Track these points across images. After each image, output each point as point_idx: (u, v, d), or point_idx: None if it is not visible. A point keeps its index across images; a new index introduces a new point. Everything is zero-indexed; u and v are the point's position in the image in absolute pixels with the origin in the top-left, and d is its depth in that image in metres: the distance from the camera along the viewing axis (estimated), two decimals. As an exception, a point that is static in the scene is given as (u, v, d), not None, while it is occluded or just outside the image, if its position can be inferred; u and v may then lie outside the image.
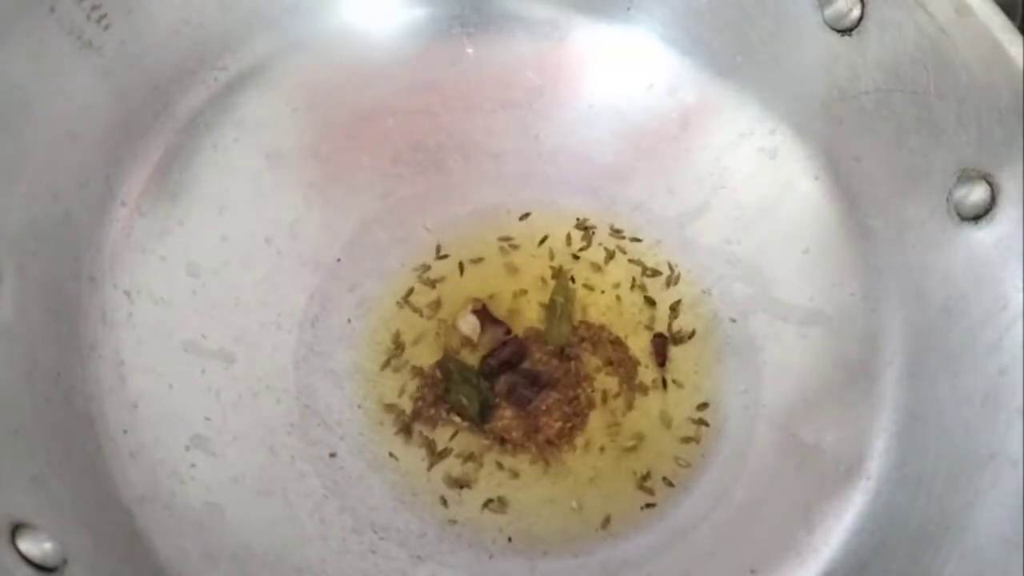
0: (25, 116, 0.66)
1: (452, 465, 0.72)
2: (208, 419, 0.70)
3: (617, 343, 0.76)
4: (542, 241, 0.79)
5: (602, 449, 0.73)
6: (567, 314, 0.75)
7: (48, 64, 0.66)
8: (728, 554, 0.70)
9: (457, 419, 0.73)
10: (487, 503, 0.71)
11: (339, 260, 0.78)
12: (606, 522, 0.71)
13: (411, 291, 0.77)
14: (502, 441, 0.72)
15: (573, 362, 0.74)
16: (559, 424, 0.72)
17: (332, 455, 0.72)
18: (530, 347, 0.75)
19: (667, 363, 0.75)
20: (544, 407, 0.73)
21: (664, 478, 0.72)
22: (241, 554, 0.66)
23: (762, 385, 0.74)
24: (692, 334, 0.77)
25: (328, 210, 0.79)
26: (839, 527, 0.69)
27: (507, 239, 0.79)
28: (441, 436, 0.73)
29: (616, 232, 0.80)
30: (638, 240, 0.80)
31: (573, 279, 0.77)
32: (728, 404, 0.75)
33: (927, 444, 0.67)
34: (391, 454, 0.72)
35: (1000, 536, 0.60)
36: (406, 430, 0.73)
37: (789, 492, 0.71)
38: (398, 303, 0.77)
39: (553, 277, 0.77)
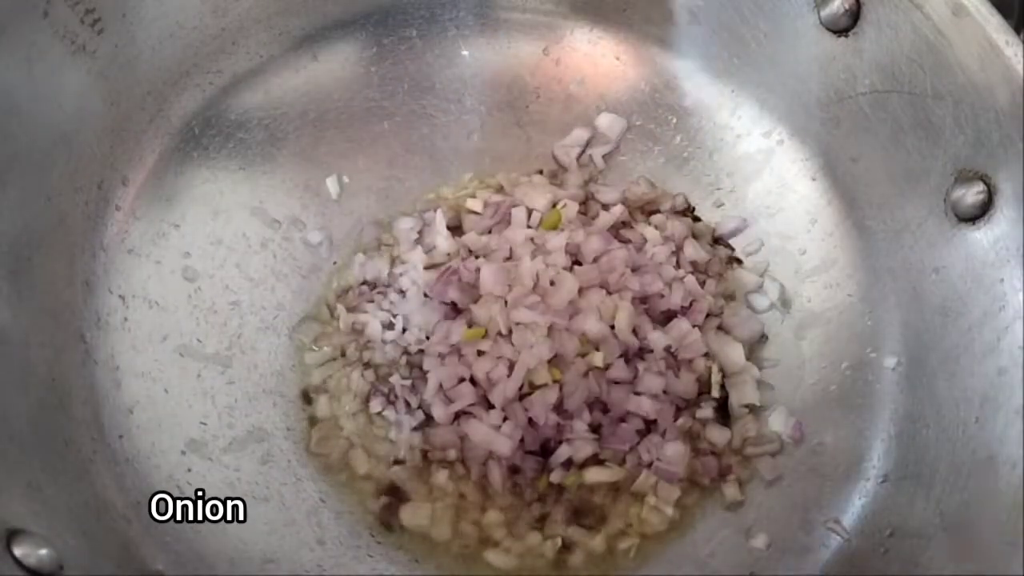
0: (18, 120, 0.65)
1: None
2: (204, 424, 0.70)
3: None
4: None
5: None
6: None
7: (41, 68, 0.66)
8: (727, 555, 0.70)
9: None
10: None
11: (335, 263, 0.78)
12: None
13: (408, 294, 0.77)
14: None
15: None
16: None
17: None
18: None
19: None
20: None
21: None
22: (237, 559, 0.66)
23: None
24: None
25: (324, 213, 0.79)
26: (838, 527, 0.69)
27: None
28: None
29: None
30: (635, 242, 0.79)
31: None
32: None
33: (926, 445, 0.67)
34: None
35: (1000, 536, 0.60)
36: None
37: (788, 492, 0.71)
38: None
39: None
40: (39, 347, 0.65)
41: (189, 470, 0.68)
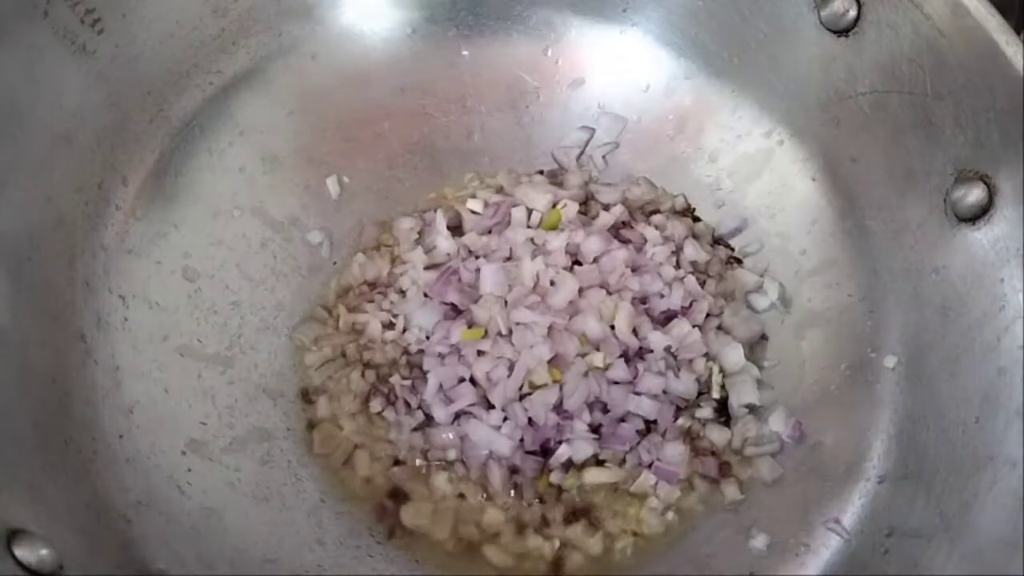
0: (19, 121, 0.66)
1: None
2: (204, 424, 0.70)
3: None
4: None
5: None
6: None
7: (42, 69, 0.66)
8: (727, 555, 0.70)
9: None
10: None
11: (335, 263, 0.78)
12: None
13: (408, 294, 0.77)
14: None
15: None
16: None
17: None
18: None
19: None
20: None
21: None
22: (238, 560, 0.66)
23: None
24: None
25: (324, 213, 0.79)
26: (838, 527, 0.69)
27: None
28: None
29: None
30: (635, 242, 0.79)
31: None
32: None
33: (926, 445, 0.67)
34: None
35: (999, 536, 0.60)
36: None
37: (788, 492, 0.72)
38: (395, 306, 0.77)
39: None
40: (39, 347, 0.65)
41: (189, 470, 0.68)
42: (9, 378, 0.62)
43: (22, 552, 0.54)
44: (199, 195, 0.76)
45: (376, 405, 0.72)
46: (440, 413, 0.71)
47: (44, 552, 0.55)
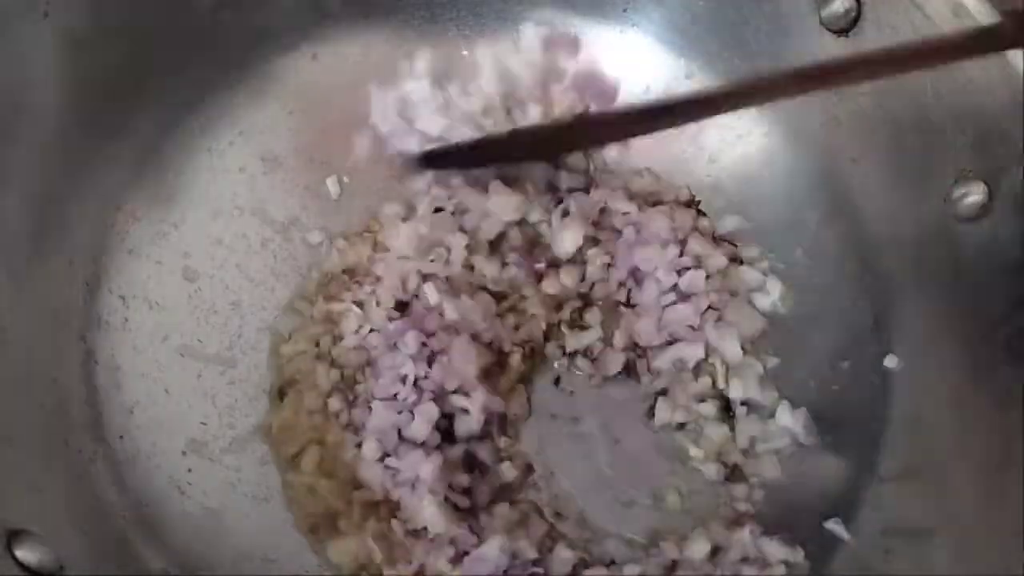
0: (19, 120, 0.65)
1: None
2: (204, 424, 0.70)
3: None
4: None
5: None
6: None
7: (42, 68, 0.66)
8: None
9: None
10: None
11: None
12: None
13: (408, 294, 0.77)
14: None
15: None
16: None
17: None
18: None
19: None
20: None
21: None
22: (238, 560, 0.66)
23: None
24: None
25: (324, 213, 0.79)
26: (839, 528, 0.69)
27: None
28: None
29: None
30: (635, 242, 0.79)
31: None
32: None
33: (928, 445, 0.68)
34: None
35: (1000, 536, 0.60)
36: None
37: (788, 492, 0.72)
38: (395, 306, 0.77)
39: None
40: (39, 347, 0.65)
41: (190, 470, 0.68)
42: (9, 378, 0.62)
43: (22, 552, 0.55)
44: (199, 195, 0.76)
45: (335, 404, 0.70)
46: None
47: (44, 552, 0.55)
